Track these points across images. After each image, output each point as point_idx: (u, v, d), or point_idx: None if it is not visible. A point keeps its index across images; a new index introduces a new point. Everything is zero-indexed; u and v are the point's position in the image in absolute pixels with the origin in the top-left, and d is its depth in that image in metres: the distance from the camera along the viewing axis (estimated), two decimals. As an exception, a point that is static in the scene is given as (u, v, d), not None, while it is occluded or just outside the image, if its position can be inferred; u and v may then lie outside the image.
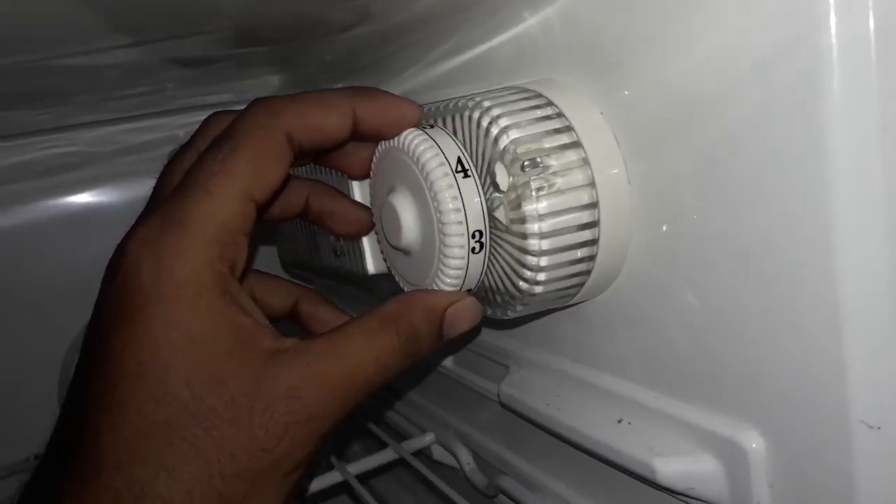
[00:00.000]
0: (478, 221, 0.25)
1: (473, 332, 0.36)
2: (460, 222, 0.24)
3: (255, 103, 0.24)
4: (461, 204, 0.24)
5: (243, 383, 0.22)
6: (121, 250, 0.23)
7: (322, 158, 0.29)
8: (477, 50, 0.31)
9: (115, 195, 0.54)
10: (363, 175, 0.30)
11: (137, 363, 0.21)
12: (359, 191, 0.34)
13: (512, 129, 0.23)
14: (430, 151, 0.25)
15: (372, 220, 0.31)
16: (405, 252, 0.28)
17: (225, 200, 0.22)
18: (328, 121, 0.25)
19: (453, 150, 0.25)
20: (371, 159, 0.29)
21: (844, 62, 0.17)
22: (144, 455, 0.21)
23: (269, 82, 0.50)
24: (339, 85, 0.44)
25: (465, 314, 0.26)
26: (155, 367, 0.21)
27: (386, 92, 0.27)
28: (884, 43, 0.17)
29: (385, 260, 0.30)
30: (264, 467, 0.22)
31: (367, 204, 0.32)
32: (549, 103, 0.25)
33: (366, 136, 0.27)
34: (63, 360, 0.53)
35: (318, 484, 0.40)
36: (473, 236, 0.25)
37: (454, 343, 0.36)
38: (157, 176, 0.27)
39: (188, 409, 0.21)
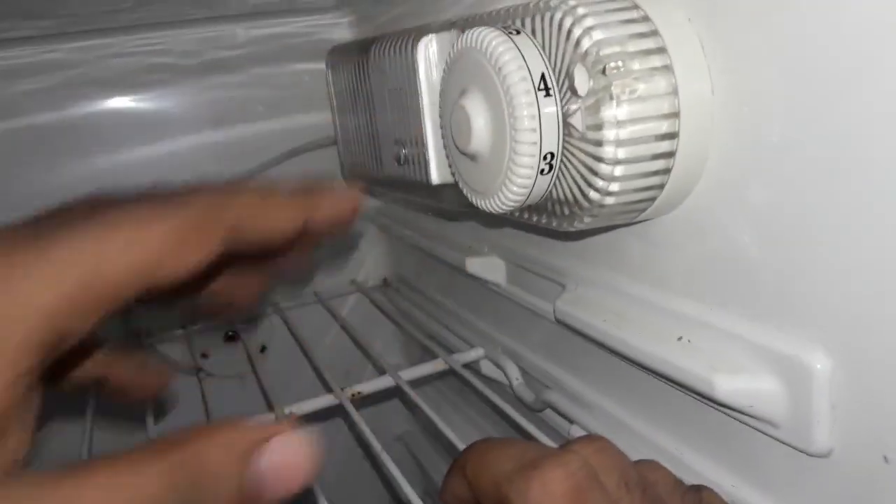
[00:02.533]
0: (552, 143, 0.24)
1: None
2: (534, 143, 0.24)
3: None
4: (538, 124, 0.24)
5: None
6: None
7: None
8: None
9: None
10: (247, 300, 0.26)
11: None
12: (432, 132, 0.33)
13: (595, 30, 0.23)
14: (513, 63, 0.24)
15: (161, 385, 0.27)
16: (472, 158, 0.27)
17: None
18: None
19: (538, 65, 0.24)
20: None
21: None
22: None
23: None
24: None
25: (289, 463, 0.17)
26: None
27: (331, 189, 0.23)
28: None
29: (450, 167, 0.30)
30: None
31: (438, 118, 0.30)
32: (636, 6, 0.24)
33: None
34: None
35: (370, 387, 0.41)
36: (545, 158, 0.25)
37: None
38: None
39: None
